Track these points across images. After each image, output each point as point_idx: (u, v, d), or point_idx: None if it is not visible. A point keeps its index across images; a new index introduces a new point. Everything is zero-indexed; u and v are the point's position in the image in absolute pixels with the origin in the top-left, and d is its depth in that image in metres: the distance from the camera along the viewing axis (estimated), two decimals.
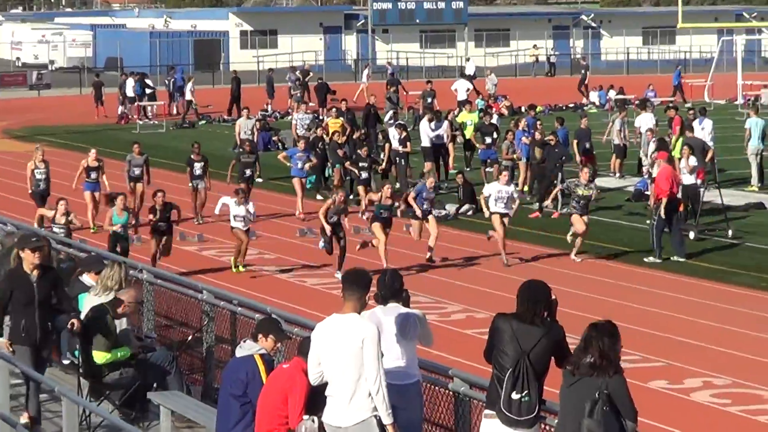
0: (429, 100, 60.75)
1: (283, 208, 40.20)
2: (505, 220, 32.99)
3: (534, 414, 12.38)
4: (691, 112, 46.09)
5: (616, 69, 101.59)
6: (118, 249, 29.62)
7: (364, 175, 39.36)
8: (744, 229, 36.39)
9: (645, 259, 32.69)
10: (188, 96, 68.35)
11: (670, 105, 51.46)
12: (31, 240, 17.50)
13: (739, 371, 23.24)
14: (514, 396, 12.38)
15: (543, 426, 13.14)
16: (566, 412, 11.99)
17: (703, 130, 43.04)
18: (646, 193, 39.69)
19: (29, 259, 17.04)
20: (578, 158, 43.01)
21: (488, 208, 33.06)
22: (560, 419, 12.16)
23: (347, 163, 41.25)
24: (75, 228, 31.78)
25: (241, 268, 31.90)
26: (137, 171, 37.93)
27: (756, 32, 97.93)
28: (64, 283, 18.59)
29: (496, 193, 33.02)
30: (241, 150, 42.37)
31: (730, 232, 35.68)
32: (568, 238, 33.26)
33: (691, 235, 35.46)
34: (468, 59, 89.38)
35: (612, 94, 70.45)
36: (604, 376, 11.77)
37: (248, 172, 38.78)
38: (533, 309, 12.50)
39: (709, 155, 40.71)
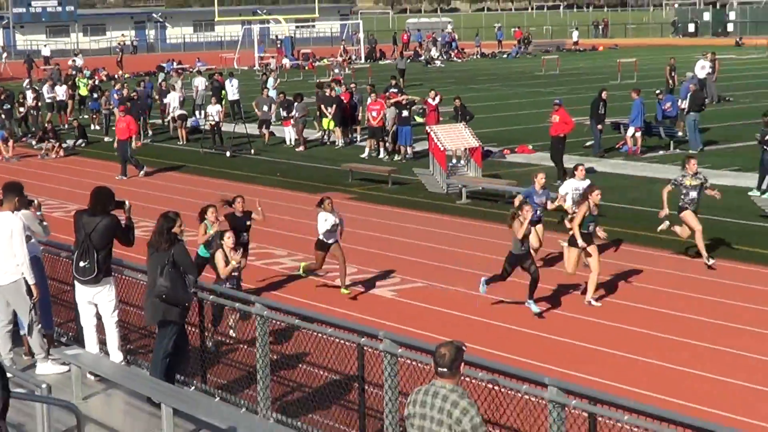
0: (74, 72, 59.34)
1: None
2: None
3: (94, 275, 12.39)
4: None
5: (177, 49, 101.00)
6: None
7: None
8: (262, 149, 36.81)
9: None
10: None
11: (218, 72, 51.23)
12: None
13: (289, 245, 23.34)
14: (81, 264, 12.44)
15: (123, 277, 13.30)
16: (151, 276, 11.92)
17: (233, 86, 43.26)
18: (201, 128, 39.94)
19: None
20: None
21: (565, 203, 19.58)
22: (149, 282, 12.07)
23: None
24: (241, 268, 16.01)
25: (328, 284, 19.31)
26: None
27: (267, 23, 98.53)
28: None
29: (573, 191, 19.57)
30: None
31: (252, 151, 36.05)
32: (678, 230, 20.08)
33: (228, 153, 35.70)
34: (45, 45, 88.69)
35: (175, 65, 69.78)
36: (164, 249, 11.79)
37: None
38: (95, 204, 12.49)
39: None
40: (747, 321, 16.51)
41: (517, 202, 18.66)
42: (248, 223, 17.91)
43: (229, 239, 15.51)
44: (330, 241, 18.27)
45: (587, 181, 19.52)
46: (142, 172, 32.19)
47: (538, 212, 19.00)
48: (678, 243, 20.86)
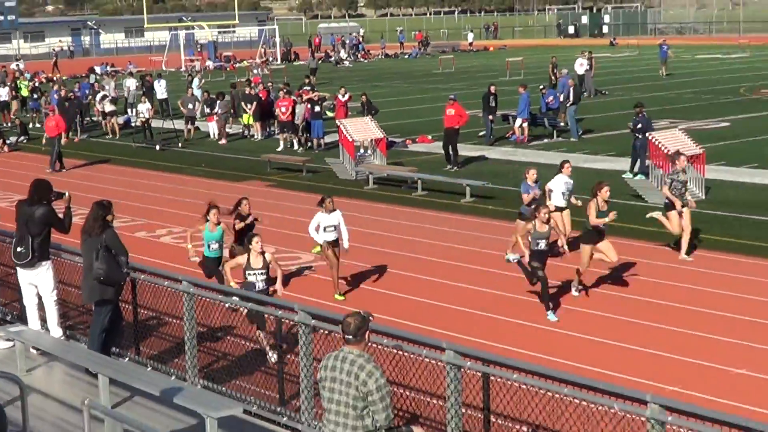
0: (18, 75, 58.02)
1: None
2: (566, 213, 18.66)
3: (29, 260, 12.23)
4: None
5: (110, 53, 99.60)
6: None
7: None
8: (189, 143, 36.47)
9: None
10: None
11: (148, 74, 50.63)
12: None
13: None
14: (18, 249, 12.32)
15: (61, 260, 13.08)
16: (87, 260, 11.72)
17: (161, 86, 42.80)
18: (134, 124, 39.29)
19: None
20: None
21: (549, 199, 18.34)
22: (85, 264, 11.87)
23: None
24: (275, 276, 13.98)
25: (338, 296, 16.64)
26: None
27: (192, 29, 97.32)
28: None
29: (564, 186, 18.56)
30: None
31: (180, 144, 35.60)
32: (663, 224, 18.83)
33: (157, 147, 35.23)
34: None
35: (108, 68, 68.72)
36: (97, 234, 11.62)
37: None
38: (32, 195, 12.32)
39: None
40: (646, 292, 16.70)
41: (526, 200, 17.64)
42: (254, 223, 16.54)
43: (257, 243, 13.59)
44: (328, 239, 16.39)
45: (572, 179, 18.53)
46: (50, 169, 30.71)
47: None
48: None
